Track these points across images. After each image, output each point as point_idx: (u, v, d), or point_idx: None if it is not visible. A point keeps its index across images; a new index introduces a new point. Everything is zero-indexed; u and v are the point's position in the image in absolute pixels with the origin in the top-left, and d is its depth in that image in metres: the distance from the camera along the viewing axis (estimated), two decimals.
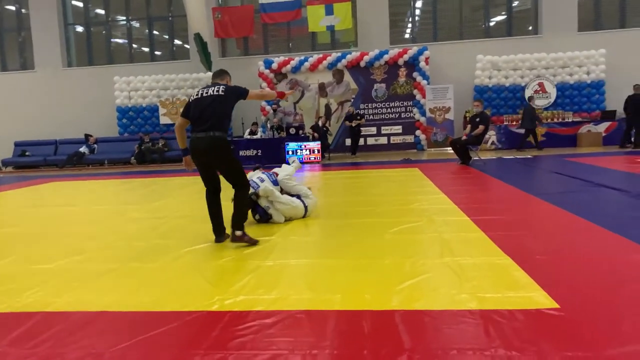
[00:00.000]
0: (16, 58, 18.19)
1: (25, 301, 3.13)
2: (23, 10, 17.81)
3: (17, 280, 3.57)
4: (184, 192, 8.12)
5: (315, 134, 13.64)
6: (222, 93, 4.24)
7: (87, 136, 15.91)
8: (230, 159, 4.31)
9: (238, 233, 4.22)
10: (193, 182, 9.56)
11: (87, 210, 6.70)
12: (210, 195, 4.45)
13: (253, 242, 4.27)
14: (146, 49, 17.84)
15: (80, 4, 17.81)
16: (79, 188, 9.56)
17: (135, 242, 4.67)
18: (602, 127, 13.73)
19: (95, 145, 15.84)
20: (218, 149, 4.20)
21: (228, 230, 4.39)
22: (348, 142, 15.46)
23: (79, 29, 17.98)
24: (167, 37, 17.91)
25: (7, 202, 8.22)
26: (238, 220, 4.24)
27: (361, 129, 14.29)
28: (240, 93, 4.37)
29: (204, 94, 4.24)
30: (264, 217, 5.16)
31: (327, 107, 15.72)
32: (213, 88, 4.28)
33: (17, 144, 16.45)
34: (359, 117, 14.14)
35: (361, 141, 15.18)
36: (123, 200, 7.62)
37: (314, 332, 2.50)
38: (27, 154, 16.18)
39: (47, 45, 17.27)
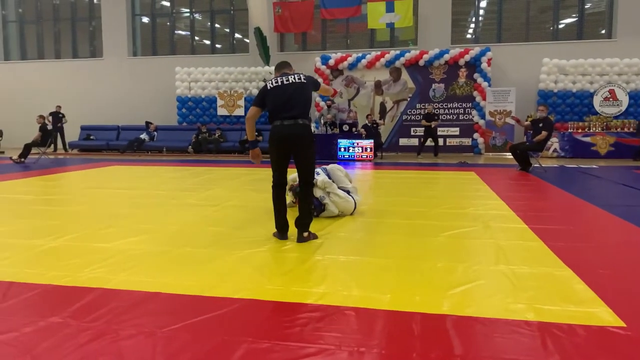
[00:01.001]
0: (86, 46, 19.13)
1: (87, 276, 3.26)
2: (95, 1, 18.69)
3: (80, 256, 3.74)
4: (237, 182, 8.27)
5: (363, 132, 13.43)
6: (305, 81, 4.19)
7: (147, 123, 16.53)
8: (313, 151, 4.23)
9: (305, 234, 4.20)
10: (246, 172, 9.73)
11: (144, 194, 6.94)
12: (279, 190, 4.29)
13: (315, 237, 4.28)
14: (207, 42, 18.30)
15: None
16: (138, 173, 9.94)
17: (188, 228, 4.79)
18: None
19: (155, 133, 16.44)
20: (307, 137, 4.14)
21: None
22: (402, 141, 15.27)
23: (145, 19, 18.68)
24: (227, 30, 18.30)
25: (71, 183, 8.65)
26: (308, 222, 4.23)
27: (436, 129, 13.91)
28: (316, 83, 4.36)
29: (285, 82, 4.12)
30: (319, 208, 5.14)
31: (382, 105, 15.56)
32: (293, 76, 4.17)
33: (83, 128, 17.32)
34: (436, 118, 13.80)
35: (416, 141, 14.92)
36: (179, 187, 7.84)
37: (362, 329, 2.46)
38: (91, 137, 17.01)
39: (115, 34, 18.07)
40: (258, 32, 15.51)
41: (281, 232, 4.30)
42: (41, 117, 13.21)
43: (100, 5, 18.25)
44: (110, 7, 18.04)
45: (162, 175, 9.47)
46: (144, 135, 16.29)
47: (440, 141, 14.90)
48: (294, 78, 4.17)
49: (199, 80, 16.79)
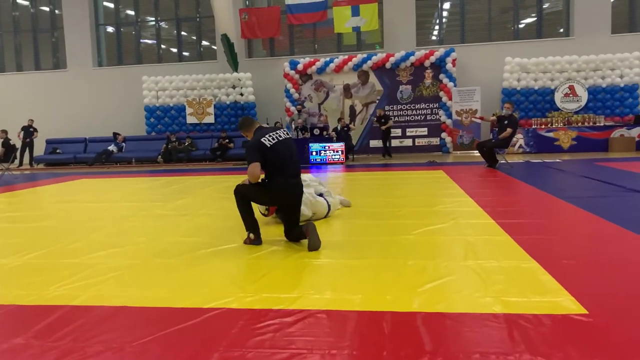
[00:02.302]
0: (49, 57, 18.69)
1: (52, 294, 3.19)
2: (56, 11, 18.31)
3: (45, 274, 3.65)
4: (208, 191, 8.20)
5: (334, 134, 13.59)
6: (290, 135, 4.45)
7: (115, 135, 16.24)
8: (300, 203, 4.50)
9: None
10: (218, 180, 9.66)
11: (113, 207, 6.82)
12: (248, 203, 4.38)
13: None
14: (174, 50, 18.12)
15: (111, 5, 18.22)
16: (107, 185, 9.76)
17: (158, 239, 4.73)
18: (636, 132, 13.33)
19: (124, 144, 16.16)
20: (301, 195, 4.45)
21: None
22: (372, 143, 15.41)
23: (110, 29, 18.38)
24: (194, 37, 18.16)
25: (37, 198, 8.44)
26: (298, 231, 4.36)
27: (390, 130, 14.22)
28: None
29: (283, 137, 4.27)
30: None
31: (352, 108, 15.68)
32: (280, 131, 4.34)
33: (48, 142, 16.90)
34: (383, 120, 14.08)
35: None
36: (148, 198, 7.73)
37: (334, 332, 2.48)
38: (58, 151, 16.62)
39: (78, 45, 17.71)
40: (225, 38, 15.42)
41: (255, 233, 4.30)
42: (3, 131, 12.85)
43: (63, 15, 17.87)
44: (73, 18, 17.68)
45: (131, 187, 9.32)
46: (112, 147, 15.99)
47: (410, 141, 15.15)
48: (284, 133, 4.34)
49: (166, 88, 16.60)
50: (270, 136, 4.22)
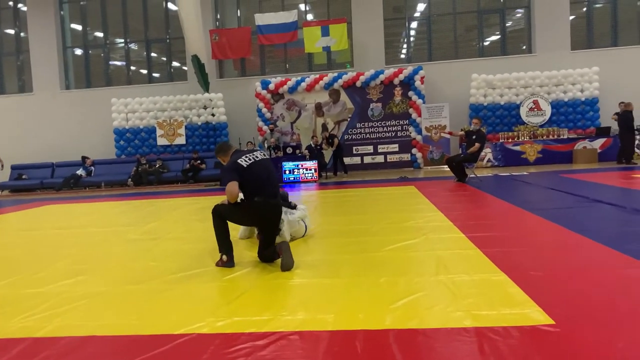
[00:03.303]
0: (14, 81, 18.31)
1: (15, 327, 3.08)
2: (22, 34, 18.00)
3: (9, 305, 3.52)
4: (179, 213, 8.09)
5: (307, 153, 13.68)
6: (268, 156, 4.49)
7: (84, 158, 15.91)
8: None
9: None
10: (189, 202, 9.55)
11: (81, 233, 6.66)
12: (225, 223, 4.34)
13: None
14: (144, 71, 17.98)
15: (79, 27, 18.02)
16: (75, 210, 9.53)
17: (128, 264, 4.63)
18: (598, 144, 13.80)
19: (92, 168, 15.83)
20: (280, 215, 4.48)
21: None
22: (345, 160, 15.49)
23: (78, 51, 18.15)
24: (164, 58, 18.08)
25: (3, 226, 8.17)
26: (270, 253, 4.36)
27: (341, 147, 14.44)
28: None
29: (260, 157, 4.31)
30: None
31: (324, 126, 15.79)
32: (256, 152, 4.38)
33: (13, 167, 16.43)
34: (330, 140, 14.27)
35: (358, 160, 15.32)
36: (118, 222, 7.58)
37: (307, 353, 2.46)
38: (23, 177, 16.17)
39: (45, 68, 17.41)
40: (196, 59, 15.42)
41: (229, 255, 4.25)
42: None
43: (28, 38, 17.57)
44: (39, 41, 17.40)
45: (100, 212, 9.13)
46: (80, 171, 15.65)
47: (381, 158, 15.34)
48: (261, 155, 4.37)
49: (136, 110, 16.42)
50: (246, 157, 4.25)
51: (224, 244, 4.28)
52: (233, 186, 4.10)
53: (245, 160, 4.22)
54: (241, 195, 4.30)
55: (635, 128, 12.91)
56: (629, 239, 4.39)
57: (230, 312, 3.11)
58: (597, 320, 2.66)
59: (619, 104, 12.82)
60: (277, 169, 12.87)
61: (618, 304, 2.89)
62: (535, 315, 2.76)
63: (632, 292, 3.09)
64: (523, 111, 14.73)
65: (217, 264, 4.28)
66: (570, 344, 2.40)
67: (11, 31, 18.25)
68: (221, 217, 4.30)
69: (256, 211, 4.25)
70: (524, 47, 16.13)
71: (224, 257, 4.25)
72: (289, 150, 13.83)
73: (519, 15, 16.35)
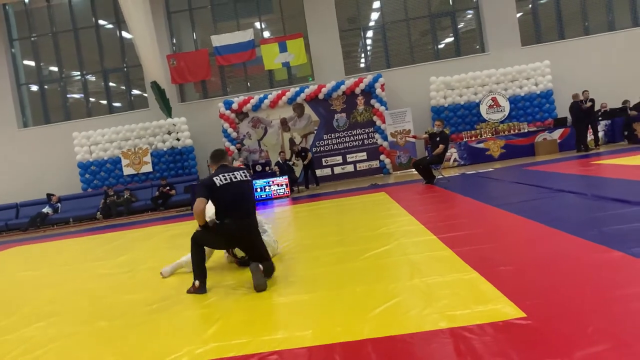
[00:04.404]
0: None
1: None
2: None
3: None
4: (151, 242, 7.97)
5: (277, 169, 13.70)
6: (249, 178, 4.47)
7: (49, 196, 15.50)
8: (260, 238, 4.50)
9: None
10: (161, 230, 9.41)
11: (51, 273, 6.48)
12: (202, 249, 4.36)
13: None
14: (104, 102, 17.71)
15: (32, 63, 17.66)
16: (44, 250, 9.26)
17: (101, 301, 4.53)
18: (557, 134, 14.25)
19: (59, 204, 15.43)
20: (257, 232, 4.46)
21: None
22: (316, 172, 15.58)
23: (33, 87, 17.76)
24: (124, 87, 17.86)
25: None
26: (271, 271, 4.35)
27: (312, 161, 14.57)
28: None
29: (234, 179, 4.29)
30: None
31: (292, 141, 15.84)
32: (237, 172, 4.37)
33: None
34: (303, 154, 14.36)
35: (328, 171, 15.41)
36: (89, 258, 7.41)
37: None
38: None
39: (0, 107, 16.94)
40: (155, 86, 15.28)
41: (203, 282, 4.23)
42: None
43: None
44: None
45: (69, 249, 8.90)
46: (46, 209, 15.22)
47: (351, 167, 15.46)
48: (241, 175, 4.36)
49: (99, 142, 16.13)
50: (224, 176, 4.27)
51: (199, 270, 4.27)
52: (199, 202, 4.16)
53: (221, 180, 4.23)
54: (212, 217, 4.32)
55: (596, 114, 13.39)
56: (592, 226, 4.55)
57: (209, 338, 3.08)
58: (567, 309, 2.75)
59: (573, 95, 13.29)
60: None
61: (586, 290, 2.99)
62: (507, 310, 2.83)
63: (599, 278, 3.20)
64: (483, 109, 15.13)
65: (189, 291, 4.24)
66: (542, 335, 2.47)
67: None
68: (197, 243, 4.30)
69: (225, 232, 4.28)
70: (477, 47, 16.61)
71: (196, 283, 4.21)
72: (259, 167, 13.80)
73: (469, 16, 16.85)
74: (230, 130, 15.70)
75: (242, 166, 13.87)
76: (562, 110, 14.65)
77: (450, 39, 16.94)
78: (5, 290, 5.74)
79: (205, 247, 4.40)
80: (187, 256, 5.01)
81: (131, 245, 7.99)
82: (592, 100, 12.94)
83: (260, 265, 4.13)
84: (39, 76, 17.72)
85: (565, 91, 14.51)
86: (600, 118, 14.13)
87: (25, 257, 8.61)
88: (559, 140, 14.16)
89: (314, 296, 3.69)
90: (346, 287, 3.76)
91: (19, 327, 3.98)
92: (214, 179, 4.25)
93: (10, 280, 6.45)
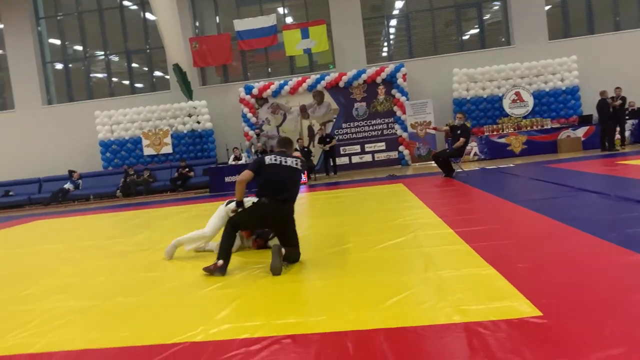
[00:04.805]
0: None
1: (7, 344, 3.06)
2: (0, 52, 17.80)
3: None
4: (169, 222, 8.07)
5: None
6: (300, 168, 4.54)
7: (70, 172, 15.80)
8: (294, 227, 4.49)
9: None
10: (179, 211, 9.52)
11: (71, 247, 6.62)
12: (234, 231, 4.41)
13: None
14: (126, 82, 17.89)
15: (58, 42, 17.87)
16: (64, 225, 9.46)
17: (118, 277, 4.62)
18: (581, 132, 13.98)
19: (80, 181, 15.72)
20: (290, 219, 4.45)
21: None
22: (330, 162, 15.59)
23: (58, 66, 17.99)
24: (146, 69, 18.00)
25: None
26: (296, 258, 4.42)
27: (335, 148, 14.55)
28: (304, 166, 4.65)
29: (283, 163, 4.40)
30: (267, 238, 5.12)
31: (310, 128, 15.83)
32: (291, 160, 4.46)
33: (0, 184, 16.29)
34: (328, 140, 14.33)
35: (346, 160, 15.38)
36: (108, 235, 7.55)
37: (300, 356, 2.49)
38: (10, 193, 15.99)
39: (26, 84, 17.24)
40: (177, 68, 15.37)
41: (225, 264, 4.23)
42: None
43: (7, 56, 17.38)
44: (19, 57, 17.22)
45: (89, 225, 9.07)
46: (68, 185, 15.53)
47: (369, 157, 15.41)
48: (292, 162, 4.43)
49: (121, 122, 16.33)
50: (276, 157, 4.43)
51: (224, 252, 4.28)
52: (244, 173, 4.34)
53: (271, 159, 4.40)
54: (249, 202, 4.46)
55: (625, 113, 13.08)
56: (614, 227, 4.47)
57: (223, 320, 3.12)
58: (584, 310, 2.71)
59: (600, 92, 13.00)
60: None
61: (604, 293, 2.94)
62: (523, 308, 2.80)
63: (618, 280, 3.14)
64: (506, 103, 14.89)
65: (208, 269, 4.22)
66: (558, 335, 2.44)
67: None
68: (233, 226, 4.37)
69: (260, 211, 4.35)
70: (503, 39, 16.30)
71: (219, 262, 4.20)
72: None
73: (495, 7, 16.54)
74: (249, 115, 15.75)
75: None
76: (588, 107, 14.36)
77: (475, 30, 16.66)
78: (26, 262, 5.88)
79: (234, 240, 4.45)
80: (194, 232, 5.09)
81: (149, 224, 8.11)
82: (624, 99, 12.64)
83: (283, 249, 4.16)
84: (64, 55, 17.94)
85: (591, 88, 14.18)
86: (627, 117, 13.80)
87: (46, 231, 8.80)
88: (583, 139, 13.89)
89: (327, 283, 3.71)
90: (360, 277, 3.77)
91: (39, 298, 4.08)
92: (266, 157, 4.44)
93: (31, 252, 6.60)
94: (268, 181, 4.35)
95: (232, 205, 4.60)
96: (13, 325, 3.41)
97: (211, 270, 4.21)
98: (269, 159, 4.40)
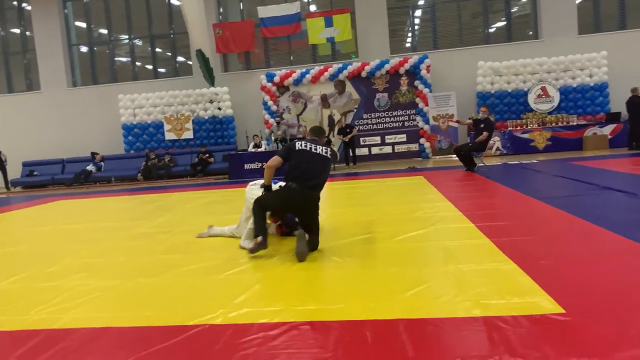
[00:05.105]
0: (22, 80, 18.42)
1: (32, 319, 3.14)
2: (27, 33, 18.08)
3: (24, 299, 3.59)
4: (189, 207, 8.15)
5: None
6: (330, 157, 4.58)
7: (93, 154, 16.06)
8: (317, 214, 4.51)
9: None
10: (199, 196, 9.61)
11: (92, 228, 6.73)
12: (263, 210, 4.47)
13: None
14: (149, 67, 18.02)
15: (84, 25, 18.07)
16: (86, 206, 9.62)
17: (139, 258, 4.69)
18: (608, 130, 13.65)
19: (102, 163, 15.97)
20: (315, 206, 4.48)
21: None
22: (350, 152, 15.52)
23: (83, 49, 18.21)
24: (169, 54, 18.10)
25: (14, 222, 8.28)
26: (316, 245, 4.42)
27: (355, 138, 14.42)
28: (334, 157, 4.65)
29: (313, 150, 4.45)
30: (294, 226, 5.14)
31: (330, 118, 15.77)
32: (321, 148, 4.51)
33: (25, 164, 16.60)
34: (348, 130, 14.23)
35: (365, 151, 15.29)
36: (129, 217, 7.66)
37: (318, 343, 2.49)
38: (35, 173, 16.33)
39: (51, 66, 17.49)
40: (200, 54, 15.43)
41: (265, 237, 4.31)
42: None
43: (34, 37, 17.65)
44: (45, 39, 17.46)
45: (111, 206, 9.21)
46: (90, 167, 15.79)
47: (389, 148, 15.30)
48: (322, 150, 4.48)
49: (143, 106, 16.48)
50: (306, 144, 4.48)
51: (259, 227, 4.37)
52: (274, 159, 4.43)
53: (301, 145, 4.46)
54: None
55: None
56: (639, 226, 4.37)
57: (242, 303, 3.15)
58: (608, 309, 2.66)
59: (632, 89, 12.65)
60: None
61: (628, 292, 2.88)
62: (545, 304, 2.76)
63: None
64: (531, 98, 14.61)
65: (252, 250, 4.28)
66: (581, 333, 2.40)
67: (17, 30, 18.35)
68: (260, 204, 4.44)
69: (286, 194, 4.40)
70: (530, 33, 15.95)
71: (259, 239, 4.28)
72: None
73: (524, 0, 16.17)
74: (270, 103, 15.74)
75: (280, 136, 13.95)
76: (616, 105, 13.99)
77: (501, 23, 16.32)
78: (49, 241, 6.00)
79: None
80: (229, 227, 5.09)
81: (170, 208, 8.20)
82: None
83: (307, 235, 4.20)
84: (89, 38, 18.13)
85: (621, 85, 13.79)
86: None
87: (69, 211, 8.96)
88: (609, 136, 13.55)
89: (347, 272, 3.70)
90: (379, 267, 3.76)
91: (62, 276, 4.17)
92: (297, 142, 4.51)
93: (54, 231, 6.74)
94: (297, 166, 4.38)
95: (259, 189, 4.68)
96: (37, 301, 3.49)
97: (254, 249, 4.28)
98: (299, 145, 4.45)
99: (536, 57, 14.72)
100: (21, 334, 2.89)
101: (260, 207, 4.44)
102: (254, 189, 5.05)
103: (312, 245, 4.34)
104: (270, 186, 4.51)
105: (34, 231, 6.97)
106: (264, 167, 4.66)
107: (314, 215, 4.48)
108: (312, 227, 4.43)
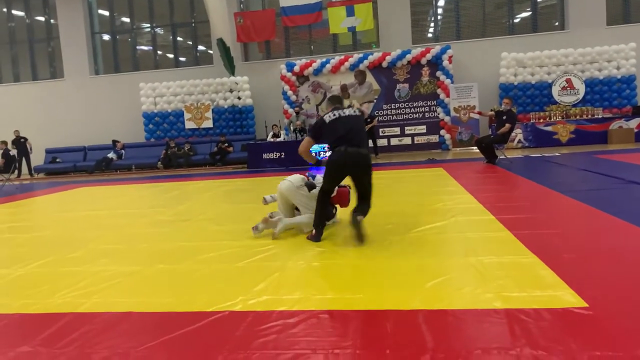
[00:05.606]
0: (46, 67, 18.72)
1: (57, 302, 3.21)
2: (52, 21, 18.33)
3: (48, 282, 3.67)
4: (209, 195, 8.22)
5: None
6: (360, 114, 4.67)
7: (114, 142, 16.28)
8: (371, 177, 4.51)
9: (360, 218, 4.30)
10: (218, 185, 9.68)
11: (113, 214, 6.84)
12: (327, 196, 4.57)
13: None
14: (170, 55, 18.14)
15: (107, 13, 18.24)
16: (107, 193, 9.78)
17: (160, 245, 4.75)
18: (634, 123, 13.32)
19: (123, 151, 16.19)
20: (368, 165, 4.45)
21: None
22: (369, 143, 15.42)
23: (105, 37, 18.41)
24: (190, 42, 18.19)
25: (38, 208, 8.46)
26: (367, 210, 4.44)
27: (375, 128, 14.29)
28: (364, 114, 4.76)
29: (343, 115, 4.45)
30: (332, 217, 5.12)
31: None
32: (348, 110, 4.53)
33: (47, 151, 16.94)
34: (369, 120, 14.11)
35: (384, 142, 15.18)
36: (149, 204, 7.75)
37: (337, 331, 2.50)
38: (57, 160, 16.65)
39: (75, 54, 17.73)
40: (221, 43, 15.46)
41: (319, 231, 4.43)
42: (3, 142, 12.89)
43: (58, 25, 17.90)
44: (69, 27, 17.70)
45: (131, 194, 9.34)
46: (111, 154, 16.03)
47: (409, 140, 15.18)
48: (351, 111, 4.53)
49: (164, 94, 16.62)
50: (333, 113, 4.47)
51: (319, 218, 4.47)
52: (305, 142, 4.58)
53: (330, 116, 4.46)
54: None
55: None
56: None
57: (261, 291, 3.17)
58: (632, 305, 2.61)
59: None
60: None
61: None
62: (567, 298, 2.72)
63: None
64: (555, 90, 14.31)
65: (309, 237, 4.47)
66: (604, 327, 2.36)
67: (41, 18, 18.61)
68: (325, 192, 4.50)
69: (337, 160, 4.37)
70: (556, 24, 15.59)
71: (314, 232, 4.43)
72: None
73: None
74: (290, 92, 15.72)
75: (299, 126, 13.93)
76: None
77: (527, 13, 15.97)
78: (72, 227, 6.12)
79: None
80: (302, 217, 4.96)
81: (189, 196, 8.29)
82: None
83: (359, 217, 4.21)
84: (112, 26, 18.30)
85: None
86: None
87: (90, 198, 9.12)
88: (636, 130, 13.22)
89: (366, 263, 3.70)
90: (399, 258, 3.74)
91: (85, 261, 4.24)
92: (324, 117, 4.50)
93: (77, 217, 6.87)
94: (336, 135, 4.37)
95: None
96: (62, 285, 3.56)
97: (311, 239, 4.43)
98: (328, 117, 4.45)
99: (562, 48, 14.40)
100: (46, 317, 2.96)
101: (325, 195, 4.50)
102: (300, 190, 4.89)
103: (366, 209, 4.39)
104: (320, 162, 4.59)
105: (58, 217, 7.12)
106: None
107: (369, 177, 4.47)
108: (368, 190, 4.47)
